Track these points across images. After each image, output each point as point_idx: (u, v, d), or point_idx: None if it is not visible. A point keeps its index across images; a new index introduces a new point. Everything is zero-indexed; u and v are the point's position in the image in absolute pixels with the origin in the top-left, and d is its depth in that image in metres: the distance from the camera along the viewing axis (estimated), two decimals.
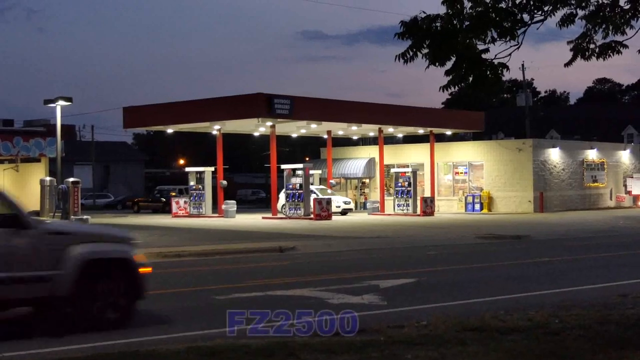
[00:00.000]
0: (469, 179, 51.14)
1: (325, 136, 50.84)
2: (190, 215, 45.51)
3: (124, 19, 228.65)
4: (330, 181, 48.68)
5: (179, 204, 46.96)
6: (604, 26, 10.42)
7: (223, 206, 44.56)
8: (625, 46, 10.62)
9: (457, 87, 10.33)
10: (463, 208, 49.64)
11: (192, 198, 46.45)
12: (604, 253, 22.36)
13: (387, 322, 10.10)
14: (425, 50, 9.80)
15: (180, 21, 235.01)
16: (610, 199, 54.71)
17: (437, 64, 9.93)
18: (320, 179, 50.90)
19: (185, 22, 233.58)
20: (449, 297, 13.29)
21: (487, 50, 10.09)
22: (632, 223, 37.26)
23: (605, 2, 10.36)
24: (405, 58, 9.81)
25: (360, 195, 56.15)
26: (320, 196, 43.25)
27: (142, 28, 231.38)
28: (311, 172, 45.24)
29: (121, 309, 10.59)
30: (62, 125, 35.16)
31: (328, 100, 46.08)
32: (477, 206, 48.87)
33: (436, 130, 52.26)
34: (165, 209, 51.85)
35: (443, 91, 10.27)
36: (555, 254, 22.01)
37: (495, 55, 10.19)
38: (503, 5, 9.93)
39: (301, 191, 42.23)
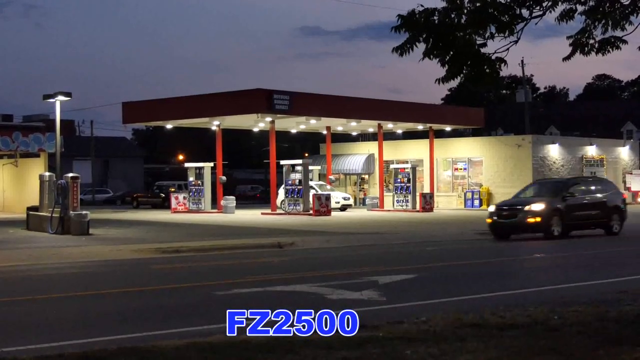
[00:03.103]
0: (468, 175, 51.16)
1: (325, 132, 50.84)
2: (189, 211, 45.53)
3: (123, 15, 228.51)
4: (330, 177, 48.69)
5: (178, 199, 46.96)
6: (603, 22, 10.41)
7: (222, 202, 44.60)
8: (625, 42, 10.61)
9: (454, 80, 10.32)
10: (462, 204, 49.69)
11: (191, 194, 46.47)
12: (602, 249, 22.38)
13: (386, 318, 10.10)
14: (422, 44, 9.80)
15: (179, 18, 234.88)
16: None
17: (431, 56, 9.92)
18: (319, 174, 50.92)
19: (184, 19, 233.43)
20: (448, 293, 13.30)
21: (485, 45, 10.09)
22: (631, 219, 37.21)
23: None
24: (402, 50, 9.80)
25: (360, 191, 56.19)
26: (320, 192, 43.27)
27: (141, 25, 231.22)
28: (310, 167, 45.26)
29: None
30: (61, 121, 35.08)
31: (327, 96, 46.11)
32: (477, 202, 48.90)
33: (435, 126, 52.29)
34: (165, 205, 51.88)
35: (440, 84, 10.26)
36: (554, 249, 22.02)
37: (495, 51, 10.19)
38: (502, 0, 9.92)
39: (300, 187, 42.24)
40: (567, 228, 26.02)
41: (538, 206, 25.37)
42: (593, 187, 28.06)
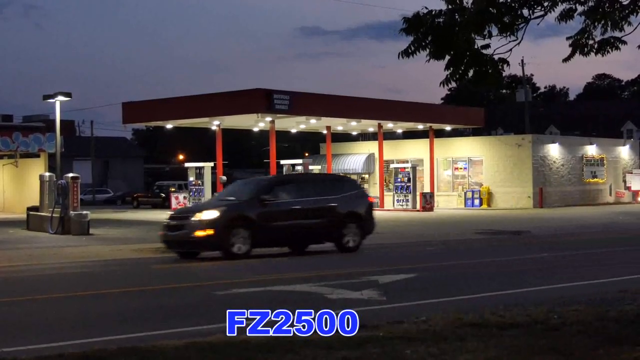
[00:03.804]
0: (468, 174, 51.14)
1: (325, 132, 50.80)
2: None
3: (123, 15, 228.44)
4: None
5: (178, 199, 46.92)
6: (602, 22, 10.41)
7: None
8: (624, 42, 10.60)
9: (456, 83, 10.36)
10: (462, 203, 49.66)
11: (191, 194, 46.40)
12: (603, 249, 22.36)
13: (386, 317, 10.11)
14: (428, 46, 9.81)
15: (179, 18, 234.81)
16: (610, 194, 54.72)
17: (438, 59, 9.94)
18: None
19: (184, 19, 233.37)
20: (448, 293, 13.31)
21: (487, 46, 10.10)
22: (631, 219, 37.27)
23: None
24: (408, 52, 9.82)
25: None
26: None
27: (141, 25, 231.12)
28: (310, 167, 45.24)
29: None
30: (61, 121, 35.08)
31: (327, 96, 46.06)
32: (477, 202, 48.89)
33: (436, 126, 52.27)
34: (165, 205, 51.82)
35: (443, 86, 10.28)
36: (554, 249, 22.01)
37: (494, 51, 10.19)
38: (503, 0, 9.93)
39: None
40: (265, 243, 19.95)
41: (210, 214, 19.10)
42: (317, 189, 21.30)
